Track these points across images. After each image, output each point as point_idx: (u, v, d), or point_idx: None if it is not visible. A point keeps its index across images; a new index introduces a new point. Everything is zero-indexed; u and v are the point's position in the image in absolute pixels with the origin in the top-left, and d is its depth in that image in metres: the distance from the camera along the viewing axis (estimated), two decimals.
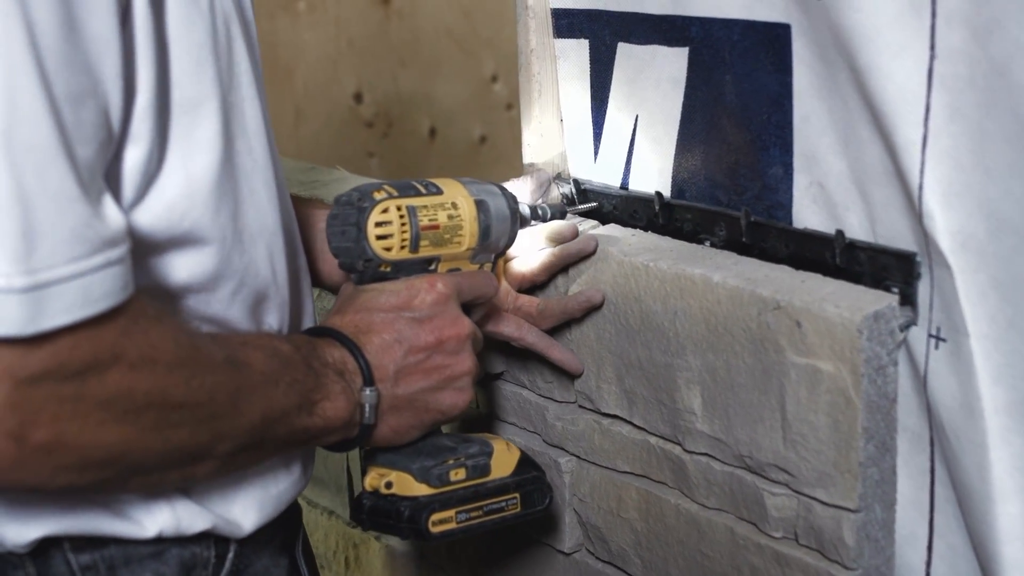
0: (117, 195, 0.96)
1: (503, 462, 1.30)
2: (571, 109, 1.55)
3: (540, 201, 1.47)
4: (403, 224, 1.18)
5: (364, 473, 1.26)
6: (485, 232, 1.25)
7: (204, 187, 1.03)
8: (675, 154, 1.43)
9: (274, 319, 1.16)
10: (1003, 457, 1.14)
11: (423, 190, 1.21)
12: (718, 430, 1.32)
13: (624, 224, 1.49)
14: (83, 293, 0.86)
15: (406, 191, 1.19)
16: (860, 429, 1.19)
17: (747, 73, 1.32)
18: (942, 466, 1.22)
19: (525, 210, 1.35)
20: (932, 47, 1.10)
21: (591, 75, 1.51)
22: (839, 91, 1.21)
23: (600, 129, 1.52)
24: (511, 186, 1.40)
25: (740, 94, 1.33)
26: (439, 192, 1.22)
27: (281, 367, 1.05)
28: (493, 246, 1.28)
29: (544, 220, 1.40)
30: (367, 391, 1.13)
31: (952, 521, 1.22)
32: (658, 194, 1.44)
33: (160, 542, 1.07)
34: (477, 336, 1.23)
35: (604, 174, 1.53)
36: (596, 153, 1.53)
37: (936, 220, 1.13)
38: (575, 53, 1.52)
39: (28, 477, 0.90)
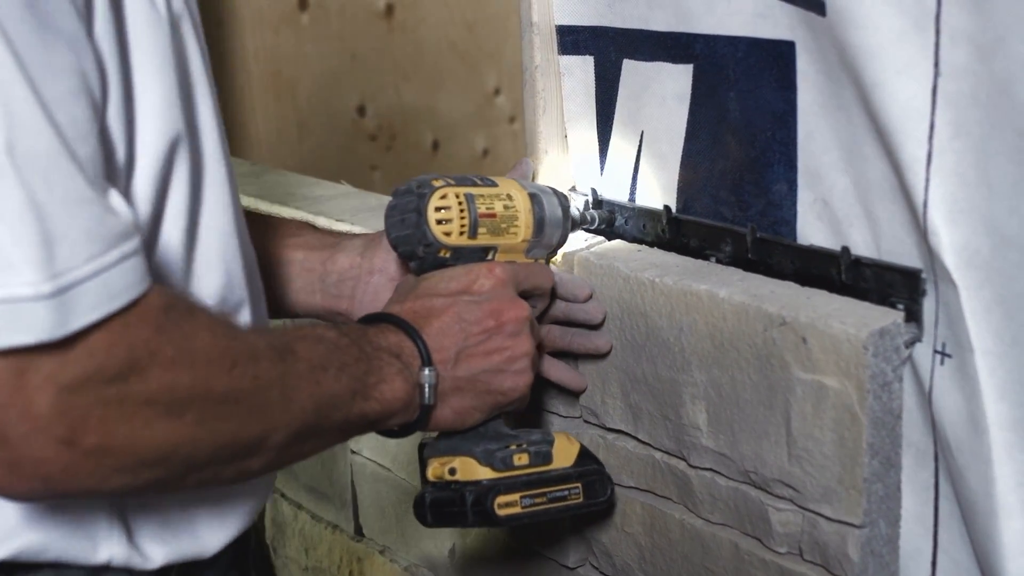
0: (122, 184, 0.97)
1: (564, 452, 1.30)
2: (576, 125, 1.55)
3: (591, 209, 1.51)
4: (462, 209, 1.20)
5: (424, 468, 1.26)
6: (539, 225, 1.28)
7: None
8: (680, 170, 1.43)
9: None
10: (1008, 473, 1.14)
11: (479, 182, 1.24)
12: (723, 445, 1.32)
13: (631, 239, 1.50)
14: (105, 289, 0.86)
15: (463, 182, 1.22)
16: (865, 445, 1.19)
17: (751, 90, 1.32)
18: (947, 482, 1.22)
19: (576, 212, 1.40)
20: (936, 64, 1.10)
21: (596, 91, 1.52)
22: (843, 108, 1.22)
23: (606, 145, 1.52)
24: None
25: (744, 111, 1.33)
26: (494, 185, 1.25)
27: (328, 352, 1.05)
28: (547, 241, 1.31)
29: (592, 225, 1.45)
30: (426, 371, 1.14)
31: (956, 537, 1.22)
32: (666, 208, 1.45)
33: (107, 570, 1.04)
34: (535, 322, 1.25)
35: (610, 190, 1.53)
36: (602, 169, 1.53)
37: (941, 237, 1.14)
38: (580, 70, 1.53)
39: (83, 481, 0.90)
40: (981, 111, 1.08)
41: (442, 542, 1.87)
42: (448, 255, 1.21)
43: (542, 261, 1.32)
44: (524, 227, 1.27)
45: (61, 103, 0.87)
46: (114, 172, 0.96)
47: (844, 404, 1.19)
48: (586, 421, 1.51)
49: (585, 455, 1.33)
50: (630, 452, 1.45)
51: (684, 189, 1.44)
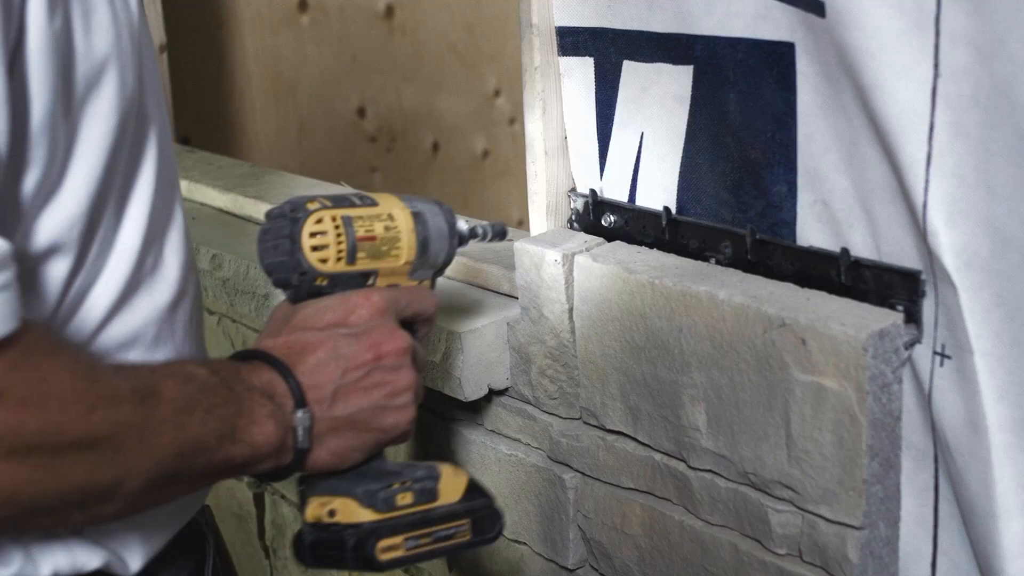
0: (13, 218, 0.93)
1: (451, 487, 1.22)
2: (577, 126, 1.55)
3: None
4: (339, 234, 1.13)
5: (303, 506, 1.17)
6: (423, 245, 1.20)
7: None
8: (680, 171, 1.43)
9: (195, 328, 1.15)
10: (1007, 474, 1.14)
11: (358, 202, 1.16)
12: (723, 447, 1.32)
13: (631, 240, 1.50)
14: None
15: (340, 202, 1.15)
16: (864, 446, 1.19)
17: (751, 91, 1.32)
18: (946, 483, 1.22)
19: (463, 227, 1.28)
20: (936, 66, 1.10)
21: (596, 93, 1.52)
22: (843, 109, 1.22)
23: (606, 147, 1.52)
24: None
25: (744, 112, 1.33)
26: (374, 204, 1.18)
27: (197, 393, 0.99)
28: (432, 261, 1.22)
29: (484, 239, 1.34)
30: (299, 413, 1.06)
31: (956, 538, 1.22)
32: (666, 209, 1.45)
33: None
34: (418, 351, 1.17)
35: (611, 191, 1.53)
36: (602, 170, 1.53)
37: (940, 238, 1.14)
38: (580, 71, 1.52)
39: None
40: (981, 112, 1.08)
41: None
42: (325, 283, 1.14)
43: (427, 283, 1.23)
44: (407, 248, 1.19)
45: None
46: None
47: (843, 405, 1.19)
48: (586, 423, 1.51)
49: (473, 488, 1.24)
50: (630, 454, 1.45)
51: (684, 190, 1.44)
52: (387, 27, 3.78)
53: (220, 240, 2.08)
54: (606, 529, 1.50)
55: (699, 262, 1.41)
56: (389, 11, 3.78)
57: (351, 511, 1.15)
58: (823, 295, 1.27)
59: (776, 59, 1.28)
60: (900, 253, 1.21)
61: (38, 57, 0.91)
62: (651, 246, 1.47)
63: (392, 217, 1.18)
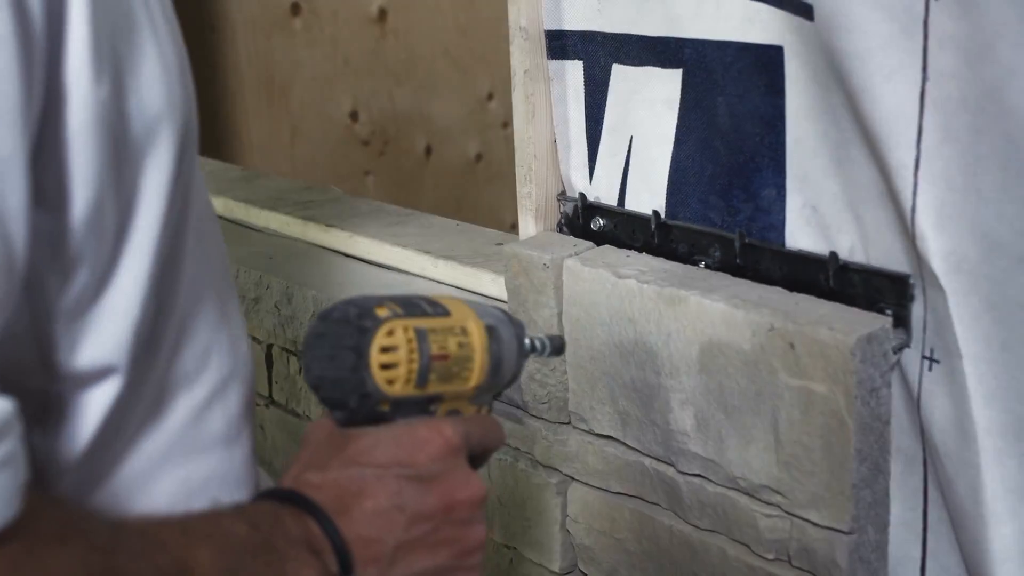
0: (37, 350, 0.77)
1: None
2: (566, 130, 1.55)
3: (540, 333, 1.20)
4: (411, 351, 0.92)
5: None
6: (496, 366, 1.00)
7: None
8: (669, 175, 1.43)
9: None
10: (996, 479, 1.14)
11: (429, 309, 0.96)
12: (711, 451, 1.32)
13: (620, 244, 1.50)
14: None
15: (412, 309, 0.94)
16: (853, 451, 1.19)
17: (740, 95, 1.32)
18: (935, 488, 1.22)
19: (526, 341, 1.09)
20: (924, 69, 1.10)
21: (586, 96, 1.51)
22: (832, 113, 1.22)
23: (595, 150, 1.52)
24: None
25: (733, 116, 1.33)
26: (446, 313, 0.97)
27: (235, 561, 0.82)
28: (498, 383, 1.03)
29: (541, 354, 1.12)
30: None
31: (945, 543, 1.22)
32: (655, 213, 1.45)
33: None
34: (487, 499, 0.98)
35: (600, 195, 1.53)
36: (591, 174, 1.53)
37: (929, 242, 1.14)
38: (569, 74, 1.52)
39: None
40: (969, 116, 1.08)
41: None
42: (387, 408, 0.92)
43: (486, 409, 1.03)
44: (478, 370, 0.98)
45: None
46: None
47: (832, 410, 1.19)
48: (574, 427, 1.51)
49: None
50: (618, 458, 1.44)
51: (673, 194, 1.43)
52: (380, 30, 3.78)
53: None
54: (595, 533, 1.49)
55: (688, 266, 1.40)
56: (382, 14, 3.78)
57: None
58: (812, 299, 1.27)
59: (765, 62, 1.28)
60: (889, 257, 1.21)
61: (83, 136, 0.74)
62: (640, 250, 1.47)
63: (466, 331, 0.98)
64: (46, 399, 0.78)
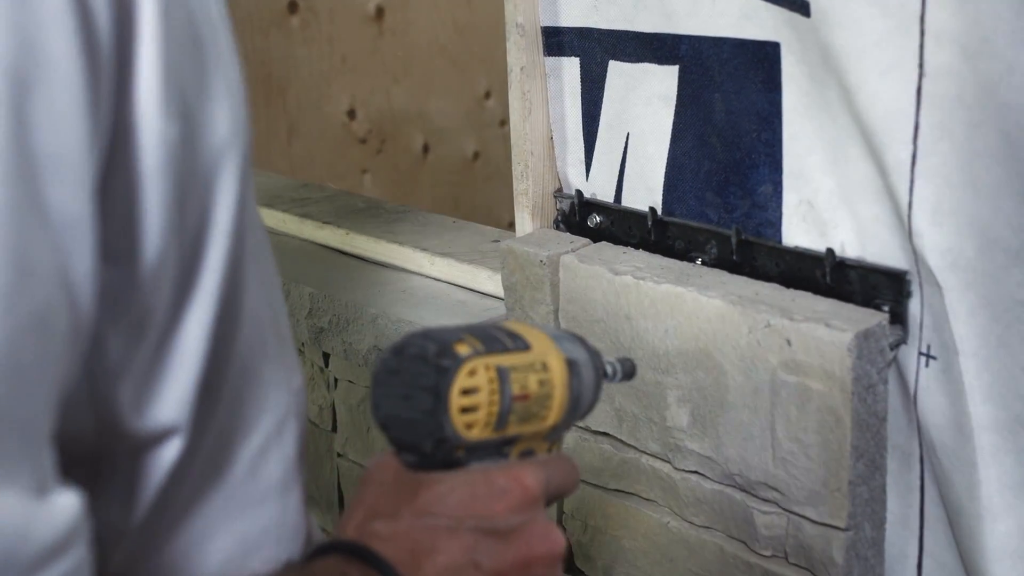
0: (109, 401, 0.69)
1: None
2: (562, 127, 1.55)
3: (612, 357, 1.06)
4: (493, 393, 0.84)
5: None
6: (575, 403, 0.92)
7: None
8: (665, 172, 1.43)
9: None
10: (993, 475, 1.13)
11: (510, 343, 0.87)
12: (708, 448, 1.32)
13: (617, 241, 1.49)
14: None
15: (492, 344, 0.85)
16: (850, 447, 1.18)
17: (737, 91, 1.32)
18: (932, 484, 1.21)
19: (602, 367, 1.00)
20: (921, 66, 1.10)
21: (582, 93, 1.51)
22: (828, 109, 1.22)
23: (592, 147, 1.52)
24: None
25: (730, 112, 1.33)
26: (527, 347, 0.88)
27: None
28: (575, 419, 0.94)
29: (612, 380, 1.03)
30: None
31: (942, 539, 1.22)
32: (652, 210, 1.44)
33: None
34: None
35: (596, 192, 1.53)
36: (588, 171, 1.53)
37: (925, 238, 1.13)
38: (566, 71, 1.52)
39: None
40: (966, 112, 1.08)
41: None
42: (462, 453, 0.84)
43: (557, 446, 0.94)
44: (557, 409, 0.89)
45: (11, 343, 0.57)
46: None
47: (829, 406, 1.18)
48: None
49: None
50: (615, 454, 1.44)
51: (669, 191, 1.43)
52: (377, 28, 3.78)
53: None
54: (590, 530, 1.49)
55: (684, 263, 1.40)
56: (379, 12, 3.77)
57: None
58: (808, 296, 1.27)
59: (761, 59, 1.28)
60: (886, 253, 1.21)
61: (154, 181, 0.66)
62: (637, 247, 1.47)
63: (546, 367, 0.89)
64: (99, 466, 0.71)
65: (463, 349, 0.82)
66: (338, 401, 1.93)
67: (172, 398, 0.72)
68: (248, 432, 0.81)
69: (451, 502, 0.81)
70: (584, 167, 1.53)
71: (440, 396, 0.81)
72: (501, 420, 0.84)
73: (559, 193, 1.58)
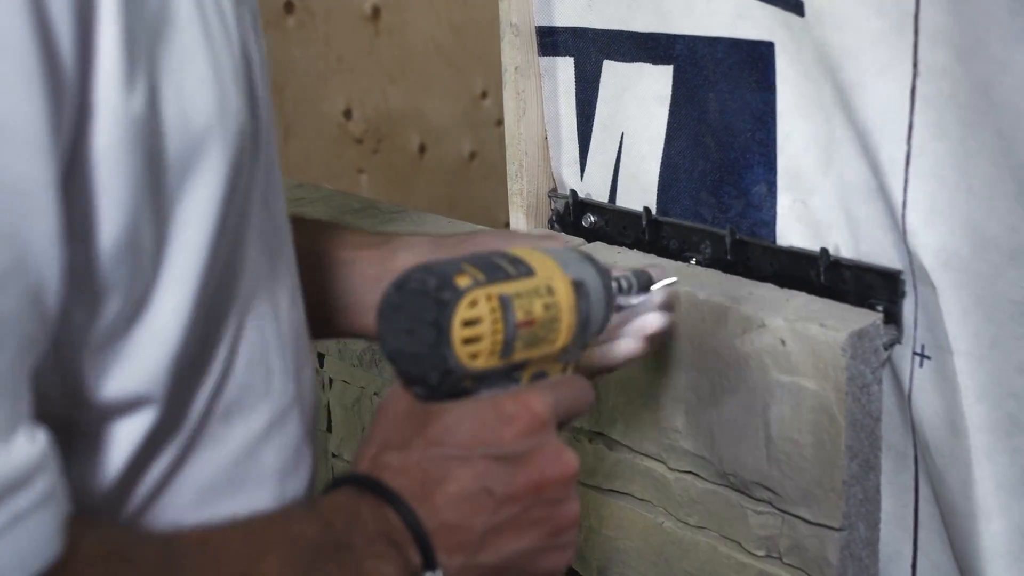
0: (75, 368, 0.71)
1: None
2: (557, 127, 1.55)
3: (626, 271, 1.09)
4: (496, 322, 0.84)
5: None
6: (584, 324, 0.92)
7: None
8: (660, 172, 1.43)
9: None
10: (987, 475, 1.13)
11: (512, 270, 0.87)
12: (702, 448, 1.32)
13: (611, 241, 1.49)
14: None
15: (494, 273, 0.86)
16: (844, 447, 1.18)
17: (731, 91, 1.31)
18: (926, 484, 1.21)
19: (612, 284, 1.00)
20: (915, 65, 1.10)
21: (577, 93, 1.51)
22: (823, 109, 1.21)
23: (587, 147, 1.52)
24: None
25: (724, 112, 1.33)
26: (531, 272, 0.88)
27: (306, 566, 0.76)
28: (587, 339, 0.95)
29: (627, 294, 1.06)
30: None
31: (936, 539, 1.22)
32: (646, 210, 1.44)
33: None
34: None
35: (591, 191, 1.53)
36: (583, 170, 1.53)
37: (920, 238, 1.13)
38: (560, 71, 1.52)
39: None
40: (960, 112, 1.08)
41: None
42: (470, 382, 0.85)
43: (572, 367, 0.94)
44: (565, 331, 0.90)
45: None
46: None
47: (823, 406, 1.18)
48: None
49: None
50: (608, 455, 1.44)
51: (664, 191, 1.43)
52: (373, 29, 3.78)
53: None
54: (584, 530, 1.49)
55: (679, 262, 1.40)
56: (375, 12, 3.77)
57: None
58: (803, 295, 1.26)
59: (756, 58, 1.27)
60: (880, 253, 1.21)
61: (114, 155, 0.67)
62: (631, 247, 1.47)
63: (551, 291, 0.89)
64: (69, 428, 0.72)
65: (463, 281, 0.83)
66: (333, 401, 1.93)
67: (141, 369, 0.73)
68: (246, 414, 0.83)
69: (460, 431, 0.82)
70: (579, 167, 1.53)
71: (442, 329, 0.82)
72: (506, 348, 0.85)
73: (554, 193, 1.58)
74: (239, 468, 0.83)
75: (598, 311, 0.94)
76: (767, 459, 1.25)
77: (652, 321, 1.10)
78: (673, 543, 1.38)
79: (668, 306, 1.12)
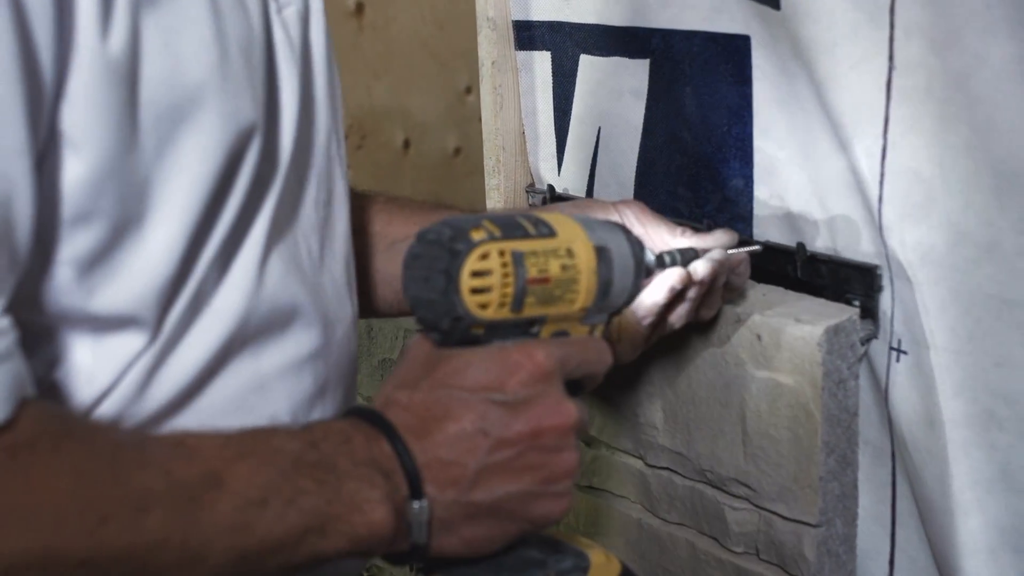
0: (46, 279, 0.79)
1: None
2: (534, 121, 1.54)
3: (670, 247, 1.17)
4: (506, 275, 0.89)
5: None
6: (604, 288, 0.96)
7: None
8: (637, 166, 1.42)
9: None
10: (963, 470, 1.13)
11: (532, 230, 0.91)
12: (680, 444, 1.31)
13: None
14: None
15: (511, 231, 0.90)
16: (821, 443, 1.18)
17: (707, 85, 1.31)
18: (904, 480, 1.21)
19: (650, 258, 1.06)
20: (891, 58, 1.09)
21: (554, 87, 1.50)
22: (799, 103, 1.21)
23: (564, 141, 1.51)
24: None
25: (700, 106, 1.32)
26: (552, 234, 0.93)
27: (278, 477, 0.79)
28: (611, 304, 0.98)
29: (672, 266, 1.13)
30: (414, 505, 0.85)
31: (914, 535, 1.21)
32: None
33: None
34: (583, 424, 0.94)
35: (569, 186, 1.52)
36: (560, 165, 1.52)
37: (896, 232, 1.13)
38: (538, 65, 1.51)
39: None
40: (936, 106, 1.07)
41: None
42: (481, 331, 0.90)
43: (600, 329, 0.98)
44: (584, 292, 0.94)
45: None
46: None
47: (799, 402, 1.18)
48: None
49: None
50: (587, 451, 1.44)
51: (641, 185, 1.42)
52: (357, 24, 3.77)
53: None
54: (563, 527, 1.48)
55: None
56: (359, 8, 3.76)
57: None
58: (779, 290, 1.26)
59: (732, 52, 1.27)
60: (856, 248, 1.20)
61: (89, 91, 0.75)
62: None
63: (571, 253, 0.93)
64: (56, 349, 0.81)
65: (478, 234, 0.88)
66: None
67: (129, 290, 0.81)
68: (257, 353, 0.92)
69: (466, 376, 0.87)
70: (556, 162, 1.52)
71: (452, 277, 0.87)
72: (517, 301, 0.89)
73: (531, 188, 1.57)
74: (244, 405, 0.91)
75: (623, 278, 0.97)
76: (744, 455, 1.24)
77: (698, 269, 1.14)
78: (651, 540, 1.37)
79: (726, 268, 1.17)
